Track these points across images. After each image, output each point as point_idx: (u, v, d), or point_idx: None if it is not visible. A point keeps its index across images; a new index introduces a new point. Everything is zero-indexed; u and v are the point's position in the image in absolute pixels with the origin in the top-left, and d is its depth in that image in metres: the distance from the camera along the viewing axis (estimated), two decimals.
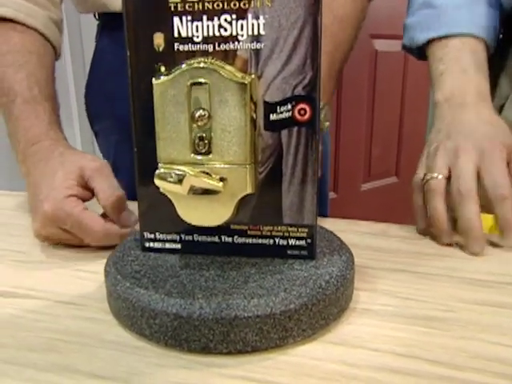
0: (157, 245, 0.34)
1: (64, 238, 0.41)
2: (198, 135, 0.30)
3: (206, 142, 0.30)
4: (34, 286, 0.36)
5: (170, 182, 0.30)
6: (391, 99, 1.70)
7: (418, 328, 0.30)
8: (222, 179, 0.30)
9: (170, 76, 0.30)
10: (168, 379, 0.26)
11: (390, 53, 1.60)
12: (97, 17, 0.62)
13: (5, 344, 0.29)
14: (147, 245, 0.35)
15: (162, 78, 0.30)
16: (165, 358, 0.28)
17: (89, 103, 0.68)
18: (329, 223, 0.46)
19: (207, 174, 0.30)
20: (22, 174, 0.47)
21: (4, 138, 0.49)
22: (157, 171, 0.30)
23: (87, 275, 0.38)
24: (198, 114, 0.30)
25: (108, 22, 0.60)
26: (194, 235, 0.34)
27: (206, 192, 0.30)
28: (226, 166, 0.30)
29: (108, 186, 0.41)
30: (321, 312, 0.29)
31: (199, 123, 0.30)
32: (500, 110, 0.60)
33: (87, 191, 0.42)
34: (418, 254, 0.41)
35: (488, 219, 0.53)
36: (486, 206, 0.57)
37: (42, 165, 0.43)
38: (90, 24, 0.67)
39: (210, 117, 0.30)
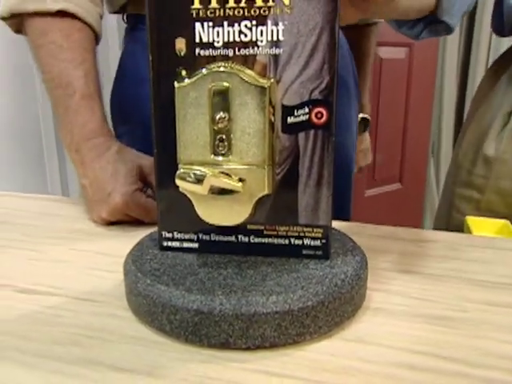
0: (174, 244, 0.35)
1: (126, 220, 0.49)
2: (218, 137, 0.31)
3: (226, 143, 0.31)
4: (53, 284, 0.37)
5: (190, 182, 0.31)
6: (395, 106, 1.71)
7: (432, 327, 0.31)
8: (240, 180, 0.31)
9: (192, 79, 0.31)
10: (189, 372, 0.27)
11: (394, 60, 1.61)
12: (125, 19, 0.63)
13: (30, 338, 0.30)
14: (165, 244, 0.35)
15: (185, 81, 0.31)
16: (185, 353, 0.28)
17: (114, 106, 0.70)
18: (336, 226, 0.47)
19: (226, 174, 0.31)
20: (73, 161, 0.52)
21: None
22: (178, 172, 0.31)
23: (104, 274, 0.39)
24: (218, 117, 0.31)
25: (136, 25, 0.62)
26: (212, 235, 0.35)
27: (225, 192, 0.31)
28: (245, 167, 0.31)
29: None
30: (336, 310, 0.30)
31: (219, 125, 0.31)
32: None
33: (144, 184, 0.50)
34: (426, 256, 0.42)
35: (496, 223, 0.54)
36: (495, 210, 0.58)
37: (102, 161, 0.49)
38: (114, 27, 0.68)
39: (230, 119, 0.31)
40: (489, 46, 1.94)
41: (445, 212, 0.66)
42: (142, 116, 0.62)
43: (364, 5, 0.36)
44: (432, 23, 0.48)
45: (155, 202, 0.48)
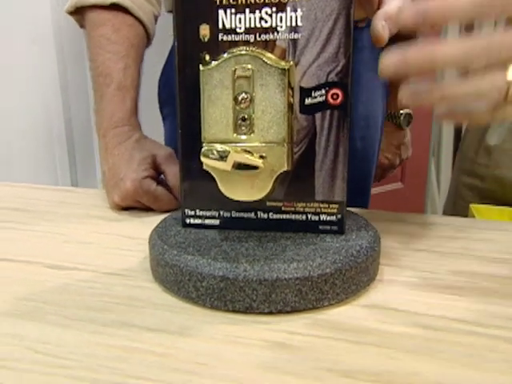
0: (197, 221, 0.37)
1: (136, 206, 0.51)
2: (241, 116, 0.33)
3: (248, 122, 0.33)
4: (80, 261, 0.39)
5: (214, 158, 0.33)
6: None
7: (443, 295, 0.33)
8: (261, 157, 0.33)
9: (217, 62, 0.33)
10: (218, 332, 0.28)
11: None
12: None
13: (65, 305, 0.32)
14: (188, 221, 0.37)
15: (212, 63, 0.33)
16: (211, 317, 0.30)
17: (161, 87, 0.76)
18: None
19: (248, 152, 0.33)
20: (99, 147, 0.55)
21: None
22: (203, 149, 0.33)
23: (126, 252, 0.41)
24: (241, 97, 0.33)
25: None
26: (232, 212, 0.36)
27: (247, 169, 0.33)
28: (266, 144, 0.33)
29: (175, 171, 0.51)
30: (353, 278, 0.32)
31: (242, 105, 0.33)
32: None
33: (158, 173, 0.51)
34: (435, 236, 0.44)
35: (500, 210, 0.56)
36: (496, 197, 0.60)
37: (121, 148, 0.52)
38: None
39: (252, 100, 0.33)
40: None
41: (452, 200, 0.68)
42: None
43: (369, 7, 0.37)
44: None
45: (165, 191, 0.50)
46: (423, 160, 1.88)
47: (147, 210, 0.51)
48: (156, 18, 0.61)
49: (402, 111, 0.89)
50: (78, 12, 0.58)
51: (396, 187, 1.78)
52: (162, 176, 0.53)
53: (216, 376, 0.25)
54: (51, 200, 0.57)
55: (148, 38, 0.60)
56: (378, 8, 0.36)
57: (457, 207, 0.67)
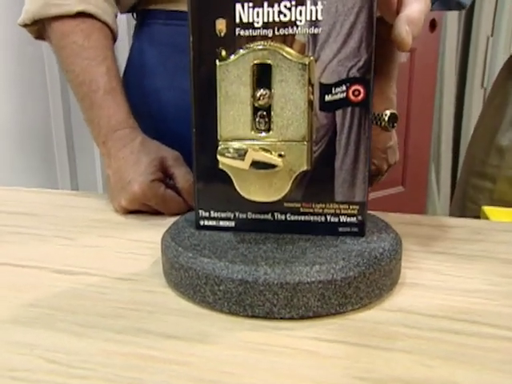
0: (211, 222, 0.36)
1: (145, 210, 0.50)
2: (259, 113, 0.32)
3: (267, 119, 0.32)
4: (89, 265, 0.37)
5: (231, 157, 0.32)
6: (397, 110, 1.73)
7: (468, 299, 0.31)
8: (280, 155, 0.32)
9: (234, 57, 0.31)
10: (240, 339, 0.27)
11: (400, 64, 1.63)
12: (135, 16, 0.64)
13: (76, 311, 0.30)
14: (202, 223, 0.36)
15: (231, 57, 0.31)
16: (230, 323, 0.29)
17: None
18: None
19: (267, 150, 0.32)
20: (102, 154, 0.54)
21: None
22: (219, 147, 0.32)
23: (136, 256, 0.39)
24: (259, 93, 0.31)
25: (144, 20, 0.63)
26: (248, 213, 0.35)
27: (265, 168, 0.32)
28: (285, 143, 0.32)
29: (184, 173, 0.50)
30: (376, 282, 0.31)
31: (260, 102, 0.31)
32: None
33: (165, 175, 0.50)
34: (452, 239, 0.43)
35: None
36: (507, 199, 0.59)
37: (126, 151, 0.50)
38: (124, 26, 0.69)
39: (270, 96, 0.31)
40: (486, 51, 1.97)
41: (460, 202, 0.67)
42: (147, 107, 0.63)
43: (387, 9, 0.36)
44: None
45: (174, 194, 0.49)
46: (423, 164, 1.88)
47: (154, 213, 0.50)
48: (116, 18, 0.60)
49: (386, 112, 0.86)
50: (35, 23, 0.56)
51: (397, 191, 1.77)
52: (169, 179, 0.51)
53: None
54: (55, 204, 0.55)
55: (114, 39, 0.59)
56: (397, 11, 0.35)
57: (466, 210, 0.66)
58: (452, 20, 1.92)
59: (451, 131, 2.07)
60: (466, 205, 0.67)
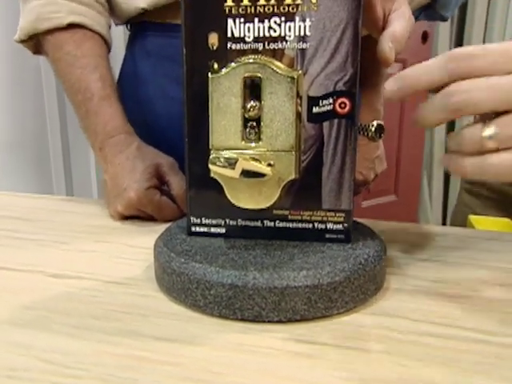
0: (203, 229, 0.37)
1: (141, 216, 0.51)
2: (249, 124, 0.33)
3: (256, 130, 0.33)
4: (82, 270, 0.38)
5: (222, 166, 0.33)
6: (391, 122, 1.75)
7: (450, 304, 0.33)
8: (269, 165, 0.33)
9: (226, 70, 0.33)
10: (229, 341, 0.28)
11: (389, 75, 1.66)
12: (129, 27, 0.66)
13: (69, 314, 0.31)
14: (194, 229, 0.37)
15: (223, 71, 0.33)
16: (220, 326, 0.30)
17: None
18: None
19: (256, 159, 0.33)
20: (99, 160, 0.55)
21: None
22: (210, 156, 0.33)
23: (129, 261, 0.40)
24: (249, 105, 0.33)
25: (137, 32, 0.64)
26: (238, 220, 0.36)
27: (255, 176, 0.33)
28: (274, 152, 0.33)
29: (179, 180, 0.51)
30: (361, 286, 0.32)
31: (251, 113, 0.33)
32: None
33: (160, 182, 0.51)
34: (437, 246, 0.44)
35: (498, 221, 0.57)
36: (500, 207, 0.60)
37: (122, 157, 0.51)
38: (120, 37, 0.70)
39: (260, 107, 0.33)
40: None
41: (458, 209, 0.68)
42: (142, 116, 0.64)
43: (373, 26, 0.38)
44: (429, 9, 0.52)
45: (169, 200, 0.50)
46: (416, 173, 1.90)
47: (148, 219, 0.51)
48: (110, 28, 0.62)
49: (373, 122, 0.88)
50: (31, 39, 0.58)
51: (390, 199, 1.79)
52: (164, 185, 0.52)
53: None
54: (50, 209, 0.56)
55: (108, 48, 0.60)
56: (383, 28, 0.36)
57: (461, 215, 0.67)
58: (444, 32, 1.95)
59: (444, 140, 2.10)
60: (460, 210, 0.68)
